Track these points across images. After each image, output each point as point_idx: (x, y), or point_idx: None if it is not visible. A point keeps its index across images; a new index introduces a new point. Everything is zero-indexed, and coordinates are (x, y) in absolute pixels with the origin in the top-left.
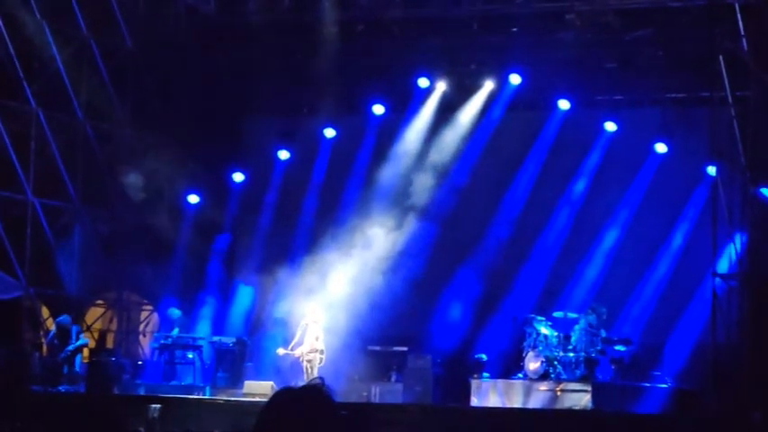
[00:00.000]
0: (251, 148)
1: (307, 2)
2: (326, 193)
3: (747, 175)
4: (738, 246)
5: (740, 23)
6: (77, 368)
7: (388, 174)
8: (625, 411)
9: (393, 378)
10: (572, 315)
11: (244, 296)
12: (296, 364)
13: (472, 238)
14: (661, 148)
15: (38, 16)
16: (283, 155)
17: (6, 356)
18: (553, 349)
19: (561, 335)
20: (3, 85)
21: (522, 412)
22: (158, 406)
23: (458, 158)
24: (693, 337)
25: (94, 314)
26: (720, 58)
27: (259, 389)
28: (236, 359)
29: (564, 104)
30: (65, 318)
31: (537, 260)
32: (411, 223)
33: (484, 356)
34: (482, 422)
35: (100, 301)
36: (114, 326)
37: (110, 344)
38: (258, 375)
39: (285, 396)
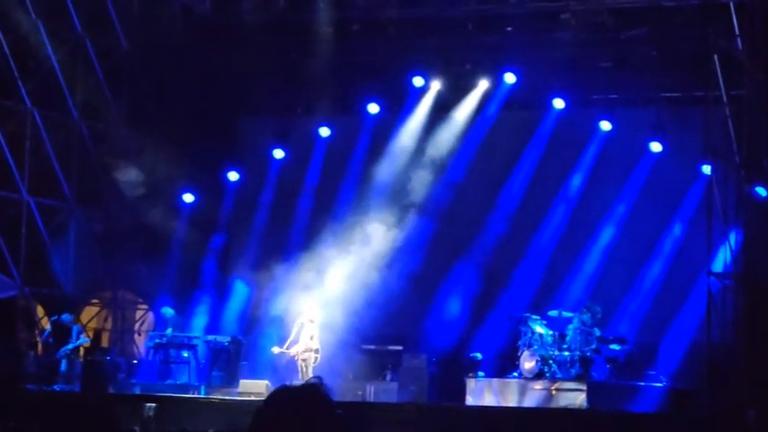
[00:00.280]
0: (246, 148)
1: (302, 1)
2: (321, 191)
3: (742, 174)
4: (733, 244)
5: (735, 23)
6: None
7: (383, 171)
8: (620, 410)
9: (388, 377)
10: (567, 314)
11: (239, 293)
12: (291, 363)
13: (468, 234)
14: (656, 147)
15: (33, 16)
16: (278, 154)
17: (1, 355)
18: (548, 348)
19: (556, 334)
20: None
21: (517, 411)
22: (153, 405)
23: (453, 156)
24: (688, 336)
25: (89, 313)
26: (715, 57)
27: (254, 388)
28: (232, 358)
29: (559, 103)
30: (66, 316)
31: (532, 259)
32: (407, 220)
33: (479, 355)
34: (477, 421)
35: (95, 301)
36: (109, 325)
37: (105, 343)
38: (253, 374)
39: (283, 394)
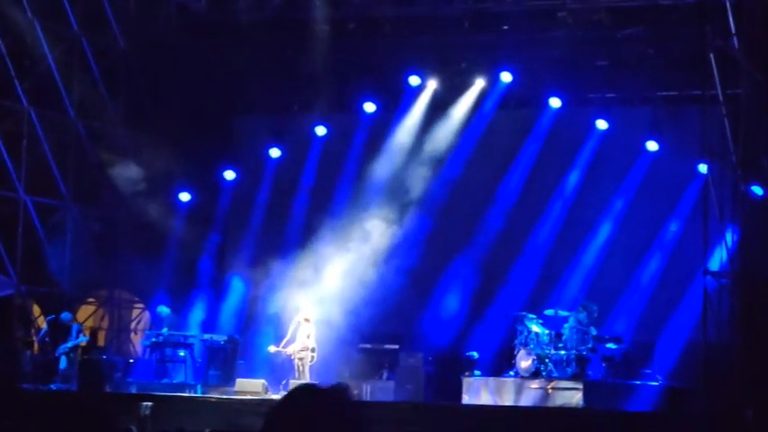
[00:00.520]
0: (242, 146)
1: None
2: (318, 189)
3: (738, 173)
4: (729, 243)
5: (731, 21)
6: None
7: (380, 169)
8: (616, 409)
9: (385, 376)
10: (563, 313)
11: (236, 291)
12: (287, 362)
13: (465, 231)
14: (652, 146)
15: (29, 15)
16: (274, 152)
17: None
18: (544, 347)
19: (552, 332)
20: None
21: (514, 410)
22: (150, 404)
23: (450, 153)
24: (684, 335)
25: (86, 312)
26: (711, 56)
27: (251, 387)
28: (228, 357)
29: (555, 102)
30: (66, 315)
31: (529, 257)
32: (404, 217)
33: (475, 354)
34: (473, 420)
35: (91, 299)
36: (106, 324)
37: (101, 342)
38: (250, 373)
39: (307, 393)
